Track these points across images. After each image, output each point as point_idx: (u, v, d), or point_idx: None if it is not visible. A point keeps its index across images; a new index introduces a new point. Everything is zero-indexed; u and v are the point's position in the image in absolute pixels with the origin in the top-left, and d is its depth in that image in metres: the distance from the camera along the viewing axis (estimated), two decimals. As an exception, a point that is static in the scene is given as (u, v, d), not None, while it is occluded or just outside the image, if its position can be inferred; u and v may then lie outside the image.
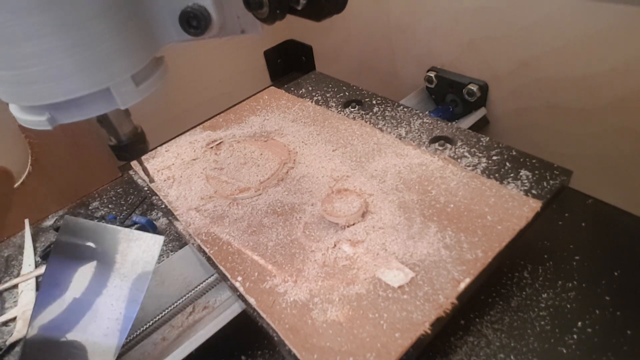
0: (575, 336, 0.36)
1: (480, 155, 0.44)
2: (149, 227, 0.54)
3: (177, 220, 0.45)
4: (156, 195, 0.49)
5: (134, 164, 0.53)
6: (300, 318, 0.33)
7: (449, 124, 0.50)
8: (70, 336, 0.37)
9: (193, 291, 0.41)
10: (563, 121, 0.54)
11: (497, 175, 0.41)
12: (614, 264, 0.40)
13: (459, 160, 0.44)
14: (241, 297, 0.36)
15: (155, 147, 0.56)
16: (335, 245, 0.38)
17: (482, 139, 0.46)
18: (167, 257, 0.50)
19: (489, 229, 0.36)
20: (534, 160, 0.42)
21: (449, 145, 0.46)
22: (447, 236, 0.36)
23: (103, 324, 0.37)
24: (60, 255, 0.40)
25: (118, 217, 0.59)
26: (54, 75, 0.25)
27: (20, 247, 0.57)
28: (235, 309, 0.39)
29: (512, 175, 0.41)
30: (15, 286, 0.52)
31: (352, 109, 0.56)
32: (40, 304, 0.38)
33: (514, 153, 0.43)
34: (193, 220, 0.44)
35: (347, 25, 0.77)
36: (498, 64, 0.58)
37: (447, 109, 0.65)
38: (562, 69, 0.51)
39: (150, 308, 0.42)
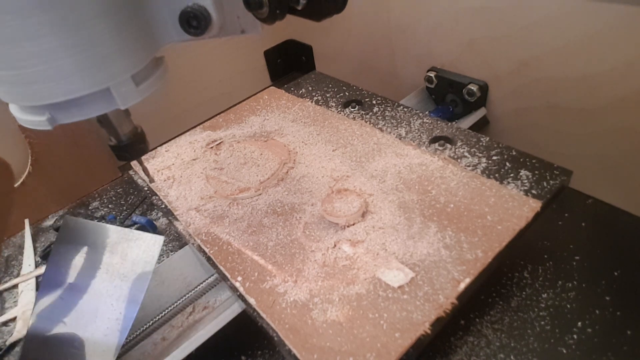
0: (575, 336, 0.36)
1: (480, 155, 0.44)
2: (149, 227, 0.54)
3: (177, 220, 0.45)
4: (156, 195, 0.49)
5: (134, 164, 0.53)
6: (300, 318, 0.33)
7: (449, 124, 0.50)
8: (71, 336, 0.37)
9: (193, 291, 0.41)
10: (563, 121, 0.54)
11: (497, 175, 0.41)
12: (614, 264, 0.40)
13: (459, 160, 0.44)
14: (241, 297, 0.36)
15: (155, 147, 0.56)
16: (335, 245, 0.38)
17: (482, 139, 0.46)
18: (167, 257, 0.50)
19: (489, 229, 0.36)
20: (534, 160, 0.42)
21: (449, 145, 0.46)
22: (447, 236, 0.36)
23: (103, 324, 0.37)
24: (60, 255, 0.40)
25: (118, 217, 0.59)
26: (54, 75, 0.25)
27: (20, 247, 0.57)
28: (235, 309, 0.39)
29: (512, 175, 0.41)
30: (15, 286, 0.52)
31: (352, 109, 0.56)
32: (40, 304, 0.39)
33: (514, 153, 0.43)
34: (193, 220, 0.44)
35: (347, 25, 0.77)
36: (498, 64, 0.58)
37: (447, 109, 0.65)
38: (562, 69, 0.51)
39: (150, 308, 0.42)
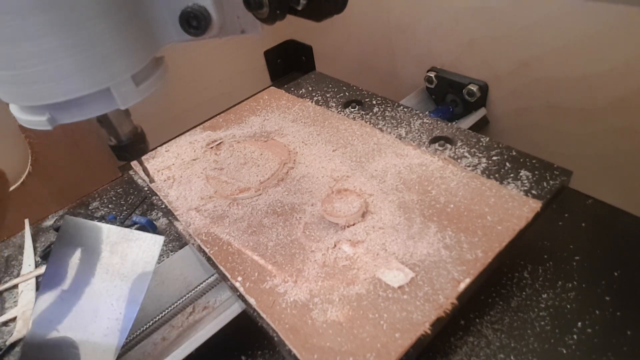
0: (575, 336, 0.36)
1: (480, 155, 0.44)
2: (149, 227, 0.54)
3: (177, 220, 0.45)
4: (156, 195, 0.49)
5: (134, 164, 0.53)
6: (300, 318, 0.33)
7: (449, 124, 0.50)
8: (70, 336, 0.37)
9: (193, 291, 0.41)
10: (563, 121, 0.54)
11: (497, 175, 0.41)
12: (614, 264, 0.40)
13: (459, 160, 0.44)
14: (241, 297, 0.36)
15: (155, 147, 0.56)
16: (335, 246, 0.38)
17: (482, 139, 0.46)
18: (167, 257, 0.50)
19: (489, 229, 0.36)
20: (534, 161, 0.42)
21: (449, 146, 0.46)
22: (447, 236, 0.36)
23: (103, 324, 0.37)
24: (60, 255, 0.40)
25: (118, 217, 0.59)
26: (54, 75, 0.25)
27: (20, 247, 0.57)
28: (235, 309, 0.39)
29: (512, 175, 0.41)
30: (15, 286, 0.52)
31: (352, 109, 0.56)
32: (40, 304, 0.39)
33: (514, 153, 0.43)
34: (193, 220, 0.44)
35: (347, 25, 0.77)
36: (498, 64, 0.58)
37: (447, 109, 0.65)
38: (562, 69, 0.51)
39: (150, 308, 0.42)
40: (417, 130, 0.50)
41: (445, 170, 0.43)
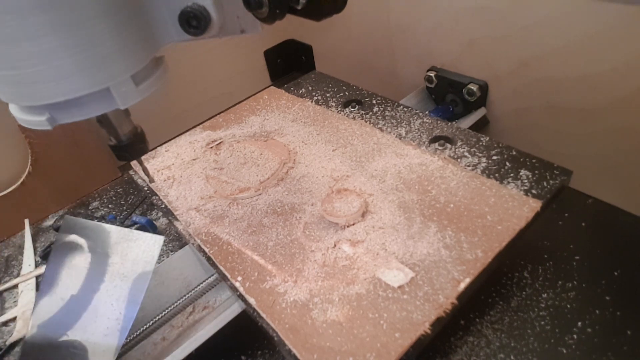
0: (575, 336, 0.36)
1: (480, 155, 0.44)
2: (149, 227, 0.54)
3: (177, 220, 0.45)
4: (156, 195, 0.49)
5: (134, 164, 0.53)
6: (300, 318, 0.33)
7: (449, 123, 0.50)
8: (71, 336, 0.37)
9: (193, 291, 0.41)
10: (563, 121, 0.54)
11: (497, 175, 0.41)
12: (614, 264, 0.40)
13: (459, 160, 0.44)
14: (241, 297, 0.36)
15: (155, 147, 0.56)
16: (335, 245, 0.38)
17: (482, 139, 0.46)
18: (167, 257, 0.50)
19: (489, 229, 0.36)
20: (534, 160, 0.42)
21: (449, 145, 0.46)
22: (447, 236, 0.36)
23: (103, 324, 0.37)
24: (61, 255, 0.40)
25: (118, 217, 0.59)
26: (54, 75, 0.25)
27: (20, 247, 0.57)
28: (235, 309, 0.39)
29: (512, 175, 0.41)
30: (15, 286, 0.52)
31: (352, 109, 0.56)
32: (40, 304, 0.39)
33: (514, 153, 0.43)
34: (193, 220, 0.44)
35: (347, 25, 0.77)
36: (498, 64, 0.58)
37: (447, 109, 0.65)
38: (562, 69, 0.51)
39: (150, 308, 0.42)
40: (417, 130, 0.50)
41: (445, 170, 0.43)
